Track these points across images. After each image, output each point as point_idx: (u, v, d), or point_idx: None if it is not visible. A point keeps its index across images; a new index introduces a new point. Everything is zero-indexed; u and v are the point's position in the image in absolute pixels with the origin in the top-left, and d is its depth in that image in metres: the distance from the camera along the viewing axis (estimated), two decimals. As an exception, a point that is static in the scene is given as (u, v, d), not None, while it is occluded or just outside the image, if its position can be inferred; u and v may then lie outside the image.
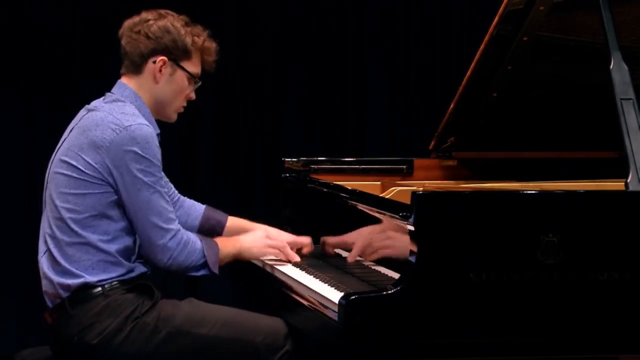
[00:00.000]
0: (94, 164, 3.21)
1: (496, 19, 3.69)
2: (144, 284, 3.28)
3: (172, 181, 3.63)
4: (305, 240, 3.60)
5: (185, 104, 3.43)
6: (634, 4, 3.74)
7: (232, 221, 3.70)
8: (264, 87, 5.58)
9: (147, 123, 3.26)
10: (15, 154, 5.29)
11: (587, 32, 3.82)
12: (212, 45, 3.42)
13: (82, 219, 3.22)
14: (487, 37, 3.74)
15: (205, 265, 3.29)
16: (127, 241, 3.27)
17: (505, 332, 2.96)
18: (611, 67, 3.29)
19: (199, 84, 3.42)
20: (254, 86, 5.57)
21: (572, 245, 2.97)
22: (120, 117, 3.24)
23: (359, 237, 3.42)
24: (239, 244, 3.44)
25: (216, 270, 3.31)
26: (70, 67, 5.31)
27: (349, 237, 3.52)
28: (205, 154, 5.53)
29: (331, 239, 3.64)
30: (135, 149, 3.19)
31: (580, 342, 2.99)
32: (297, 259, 3.49)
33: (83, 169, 3.22)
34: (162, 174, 3.29)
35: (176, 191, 3.67)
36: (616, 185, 3.38)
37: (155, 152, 3.24)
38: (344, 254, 3.56)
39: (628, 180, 3.15)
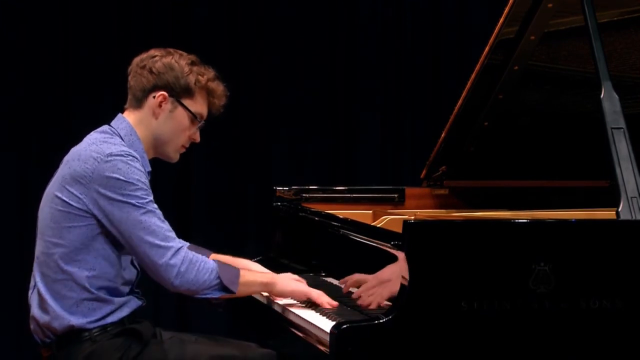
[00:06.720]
0: (78, 194, 3.15)
1: (487, 48, 3.70)
2: (132, 329, 3.21)
3: (164, 210, 3.59)
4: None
5: (187, 145, 3.37)
6: (624, 34, 3.77)
7: (217, 258, 3.47)
8: (256, 117, 5.59)
9: (130, 151, 3.20)
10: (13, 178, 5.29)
11: (578, 61, 3.83)
12: (218, 87, 3.34)
13: (67, 252, 3.16)
14: (478, 66, 3.75)
15: (220, 285, 3.17)
16: (115, 276, 3.20)
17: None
18: (602, 96, 3.29)
19: (202, 123, 3.34)
20: (246, 116, 5.56)
21: (564, 274, 2.97)
22: (102, 145, 3.19)
23: (374, 279, 3.24)
24: (271, 274, 3.32)
25: (234, 289, 3.17)
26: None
27: (364, 277, 3.31)
28: (197, 185, 5.52)
29: (349, 282, 3.40)
30: (117, 175, 3.13)
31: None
32: (335, 304, 3.24)
33: (68, 201, 3.16)
34: (151, 197, 3.19)
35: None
36: (607, 214, 3.38)
37: (139, 175, 3.16)
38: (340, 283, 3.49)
39: (619, 209, 3.15)
